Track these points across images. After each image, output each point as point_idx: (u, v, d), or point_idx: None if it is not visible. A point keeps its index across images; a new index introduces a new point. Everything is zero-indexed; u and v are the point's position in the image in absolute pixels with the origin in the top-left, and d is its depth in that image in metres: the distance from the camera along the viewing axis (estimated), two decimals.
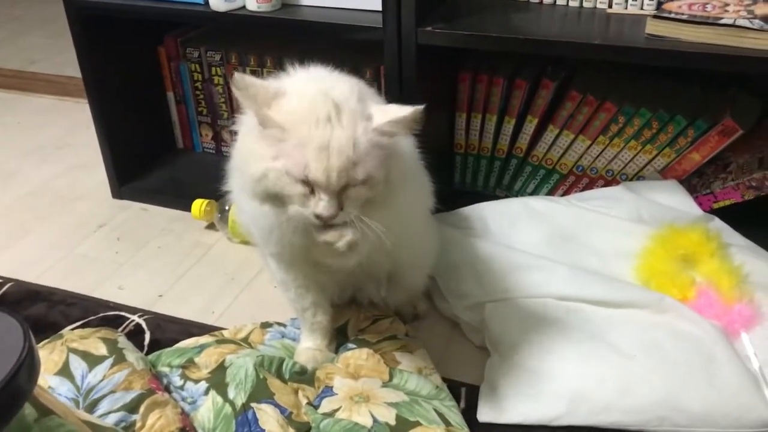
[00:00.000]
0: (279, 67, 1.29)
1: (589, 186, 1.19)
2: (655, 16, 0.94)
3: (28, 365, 0.37)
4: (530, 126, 1.19)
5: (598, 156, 1.16)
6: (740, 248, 1.00)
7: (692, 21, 0.91)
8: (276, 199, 0.72)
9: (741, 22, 0.89)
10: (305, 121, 0.68)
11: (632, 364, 0.84)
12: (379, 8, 1.00)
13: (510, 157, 1.23)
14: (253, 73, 1.32)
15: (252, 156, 0.71)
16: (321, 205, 0.69)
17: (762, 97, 1.11)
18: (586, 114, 1.14)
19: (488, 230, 1.09)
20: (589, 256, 1.01)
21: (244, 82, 0.68)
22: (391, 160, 0.73)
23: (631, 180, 1.15)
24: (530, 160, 1.21)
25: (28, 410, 0.41)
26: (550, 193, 1.22)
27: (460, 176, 1.28)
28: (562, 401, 0.82)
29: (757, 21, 0.88)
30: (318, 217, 0.70)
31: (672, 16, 0.93)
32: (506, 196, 1.24)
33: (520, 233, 1.06)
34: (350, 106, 0.70)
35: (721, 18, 0.91)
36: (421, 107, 0.70)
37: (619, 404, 0.81)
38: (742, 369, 0.83)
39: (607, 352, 0.86)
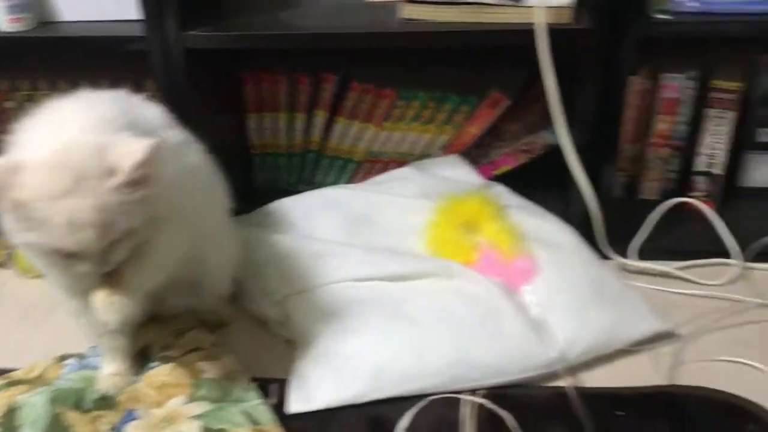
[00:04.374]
0: (54, 88, 1.23)
1: (384, 170, 1.23)
2: (408, 1, 0.99)
3: None
4: (320, 120, 1.21)
5: (386, 141, 1.21)
6: (518, 208, 1.07)
7: (440, 2, 0.97)
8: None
9: None
10: (43, 196, 0.65)
11: (425, 331, 0.88)
12: (140, 17, 0.98)
13: (306, 152, 1.25)
14: (28, 97, 1.24)
15: (10, 227, 0.68)
16: (83, 270, 0.69)
17: (524, 67, 1.20)
18: (369, 102, 1.18)
19: (289, 225, 1.10)
20: (383, 236, 1.05)
21: None
22: (157, 193, 0.71)
23: (419, 159, 1.20)
24: (326, 153, 1.24)
25: None
26: (350, 181, 1.25)
27: (261, 176, 1.28)
28: (365, 378, 0.85)
29: None
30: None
31: None
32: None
33: (318, 224, 1.08)
34: (90, 168, 0.66)
35: None
36: (153, 143, 0.67)
37: (417, 371, 0.85)
38: (524, 319, 0.90)
39: (403, 324, 0.90)
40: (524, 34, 0.91)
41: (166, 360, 0.91)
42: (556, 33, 0.91)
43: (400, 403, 0.85)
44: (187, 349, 0.94)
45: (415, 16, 0.98)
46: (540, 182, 1.14)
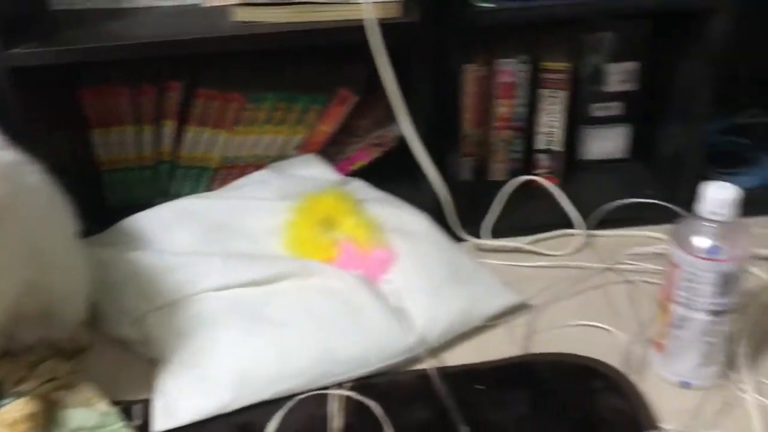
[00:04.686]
0: None
1: (242, 175, 1.21)
2: (242, 4, 0.98)
3: None
4: (169, 129, 1.18)
5: (240, 145, 1.20)
6: (375, 201, 1.09)
7: (271, 3, 0.97)
8: None
9: None
10: None
11: (287, 332, 0.89)
12: None
13: (158, 164, 1.21)
14: None
15: None
16: None
17: (368, 63, 1.22)
18: (217, 108, 1.16)
19: (145, 241, 1.07)
20: (242, 241, 1.04)
21: None
22: None
23: (276, 161, 1.20)
24: (179, 163, 1.21)
25: None
26: (208, 189, 1.23)
27: (114, 192, 1.23)
28: (230, 387, 0.84)
29: None
30: None
31: (254, 1, 0.98)
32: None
33: (174, 236, 1.05)
34: None
35: None
36: None
37: (281, 374, 0.85)
38: (384, 308, 0.92)
39: (264, 328, 0.89)
40: (357, 31, 0.93)
41: (19, 395, 0.87)
42: (386, 27, 0.93)
43: (269, 406, 0.84)
44: (42, 381, 0.90)
45: (248, 19, 0.97)
46: (395, 173, 1.17)
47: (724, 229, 0.77)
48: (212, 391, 0.84)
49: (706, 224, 0.77)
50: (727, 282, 0.78)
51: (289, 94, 1.17)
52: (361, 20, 0.92)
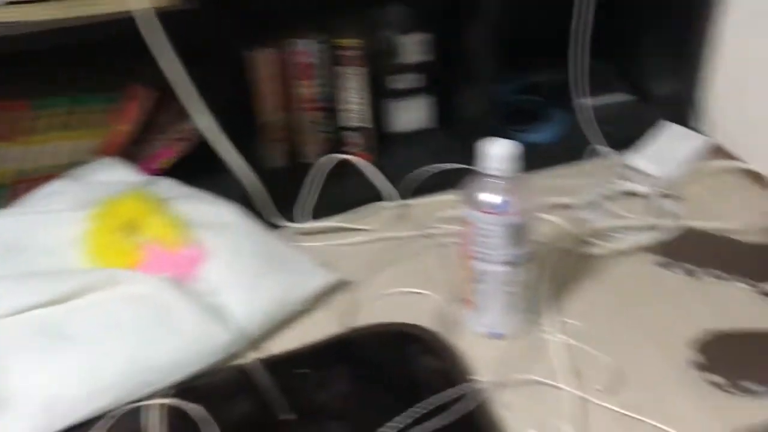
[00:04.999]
0: None
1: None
2: (3, 3, 0.91)
3: None
4: None
5: (35, 156, 1.11)
6: (183, 198, 1.05)
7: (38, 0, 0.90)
8: None
9: None
10: None
11: (94, 347, 0.84)
12: None
13: None
14: None
15: None
16: None
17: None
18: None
19: None
20: (38, 259, 0.96)
21: None
22: None
23: (74, 169, 1.13)
24: None
25: None
26: (4, 208, 1.13)
27: None
28: (35, 415, 0.79)
29: None
30: None
31: None
32: None
33: None
34: None
35: None
36: None
37: (92, 391, 0.81)
38: (197, 307, 0.89)
39: (67, 347, 0.84)
40: (132, 23, 0.89)
41: None
42: (165, 17, 0.90)
43: (84, 428, 0.80)
44: None
45: (11, 19, 0.90)
46: (206, 167, 1.13)
47: (508, 184, 0.81)
48: (18, 421, 0.78)
49: (492, 180, 0.81)
50: (518, 234, 0.82)
51: (81, 96, 1.10)
52: (138, 11, 0.88)
